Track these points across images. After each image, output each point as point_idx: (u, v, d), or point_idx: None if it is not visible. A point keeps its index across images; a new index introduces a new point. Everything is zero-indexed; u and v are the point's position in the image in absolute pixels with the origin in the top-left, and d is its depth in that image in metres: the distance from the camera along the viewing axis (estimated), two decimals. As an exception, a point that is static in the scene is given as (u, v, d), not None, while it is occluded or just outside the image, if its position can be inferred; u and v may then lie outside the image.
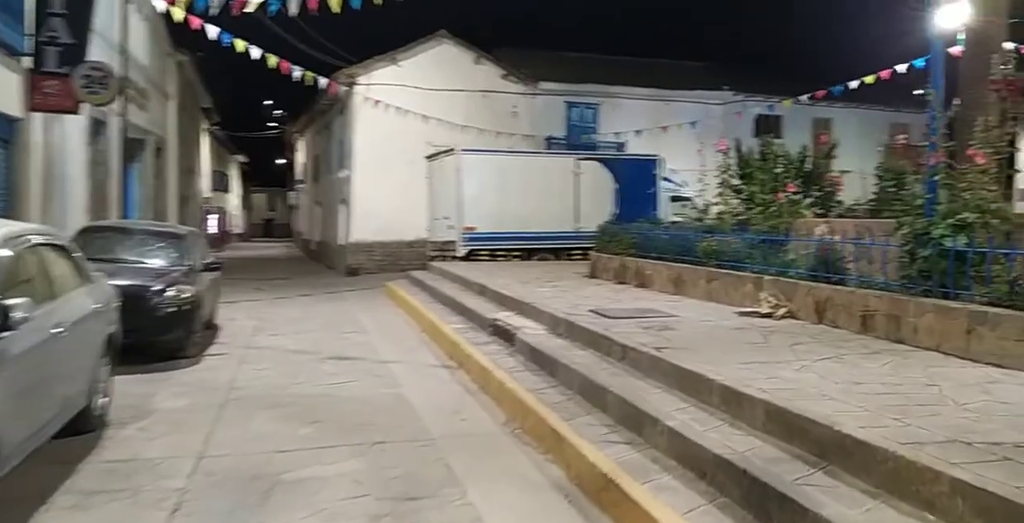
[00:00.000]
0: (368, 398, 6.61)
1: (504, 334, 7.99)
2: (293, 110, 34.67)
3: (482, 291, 10.95)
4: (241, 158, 49.09)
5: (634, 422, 4.74)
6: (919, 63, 16.39)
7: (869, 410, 3.89)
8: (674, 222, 15.31)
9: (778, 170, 12.30)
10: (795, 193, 11.72)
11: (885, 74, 18.78)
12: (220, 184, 40.62)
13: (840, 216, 10.80)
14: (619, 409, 5.00)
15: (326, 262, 25.22)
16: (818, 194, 12.77)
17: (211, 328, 10.08)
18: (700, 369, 4.91)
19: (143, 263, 8.74)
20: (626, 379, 5.45)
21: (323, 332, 10.35)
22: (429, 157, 19.50)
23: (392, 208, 20.55)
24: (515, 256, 17.63)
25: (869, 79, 18.71)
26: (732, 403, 4.39)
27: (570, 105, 23.97)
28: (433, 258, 17.90)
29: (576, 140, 23.04)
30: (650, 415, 4.57)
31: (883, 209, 12.47)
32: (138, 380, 6.89)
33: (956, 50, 13.64)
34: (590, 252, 13.27)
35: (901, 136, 26.78)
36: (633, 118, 23.62)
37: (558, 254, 18.03)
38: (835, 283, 6.94)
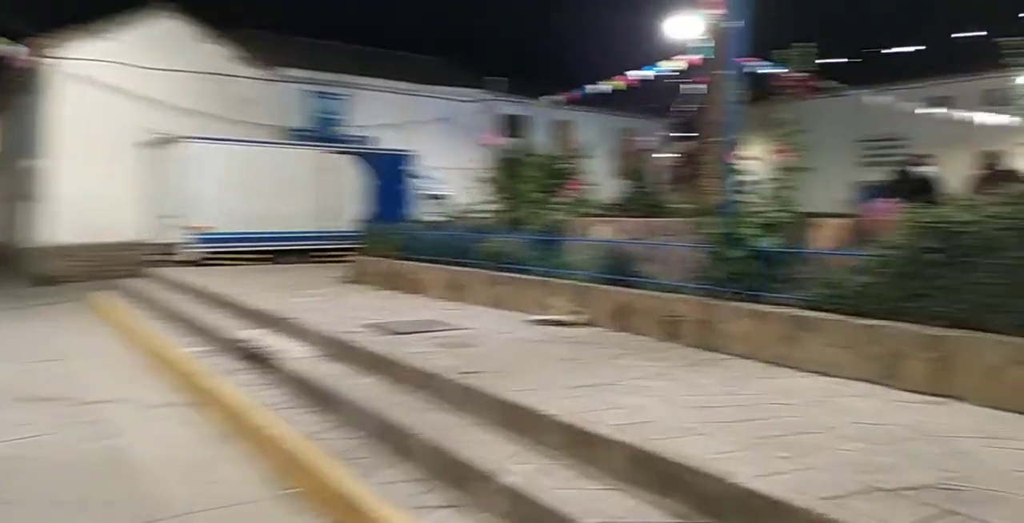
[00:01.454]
0: (75, 458, 4.89)
1: (259, 359, 6.53)
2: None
3: (223, 303, 9.23)
4: None
5: (455, 476, 3.71)
6: (652, 69, 17.15)
7: (748, 448, 3.23)
8: (433, 221, 14.48)
9: (541, 171, 12.01)
10: (543, 192, 11.44)
11: (631, 80, 19.57)
12: None
13: (630, 216, 10.56)
14: (431, 458, 3.94)
15: (13, 268, 20.94)
16: (570, 193, 12.69)
17: None
18: (528, 401, 4.01)
19: None
20: (433, 416, 4.40)
21: (6, 363, 8.02)
22: (150, 145, 16.80)
23: (100, 204, 17.30)
24: (256, 259, 15.69)
25: (618, 84, 19.37)
26: (581, 446, 3.53)
27: (314, 95, 22.22)
28: (156, 263, 15.34)
29: (323, 132, 21.40)
30: (476, 468, 3.57)
31: (635, 208, 12.76)
32: None
33: (696, 58, 14.33)
34: (352, 254, 11.97)
35: (636, 140, 28.44)
36: (383, 112, 22.52)
37: (306, 256, 16.41)
38: (635, 287, 6.47)
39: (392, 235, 10.85)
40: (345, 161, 17.77)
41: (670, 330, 5.87)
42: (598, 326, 6.53)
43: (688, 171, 13.98)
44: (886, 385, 4.38)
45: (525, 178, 11.94)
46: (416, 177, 19.17)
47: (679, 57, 17.62)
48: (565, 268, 7.40)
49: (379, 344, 5.79)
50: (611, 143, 29.25)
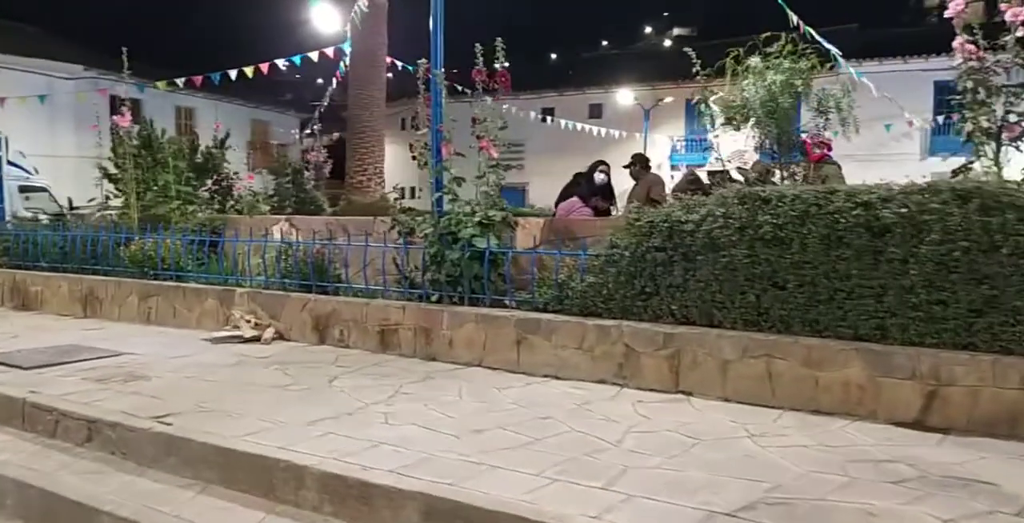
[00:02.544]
0: None
1: None
2: None
3: None
4: None
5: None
6: (296, 59, 16.27)
7: (553, 479, 2.86)
8: (46, 220, 11.94)
9: (182, 161, 10.47)
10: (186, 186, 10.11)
11: (264, 67, 18.28)
12: None
13: (297, 212, 9.60)
14: (137, 545, 2.89)
15: None
16: (215, 188, 11.45)
17: None
18: (262, 447, 3.17)
19: None
20: (124, 480, 3.28)
21: None
22: None
23: None
24: None
25: (248, 70, 17.98)
26: (356, 501, 2.84)
27: None
28: None
29: None
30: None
31: (287, 205, 11.86)
32: None
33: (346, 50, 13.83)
34: None
35: (276, 131, 26.78)
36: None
37: None
38: (337, 294, 5.77)
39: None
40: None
41: (384, 340, 5.31)
42: (292, 340, 5.71)
43: (341, 165, 13.48)
44: (621, 385, 4.38)
45: (163, 169, 10.35)
46: (9, 165, 15.67)
47: (325, 49, 16.95)
48: (243, 274, 6.39)
49: (6, 386, 4.30)
50: (243, 134, 27.35)
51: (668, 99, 27.17)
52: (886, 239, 3.73)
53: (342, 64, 15.75)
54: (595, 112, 28.13)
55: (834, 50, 7.63)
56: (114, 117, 9.66)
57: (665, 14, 73.50)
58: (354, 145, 14.13)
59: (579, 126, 20.45)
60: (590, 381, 4.47)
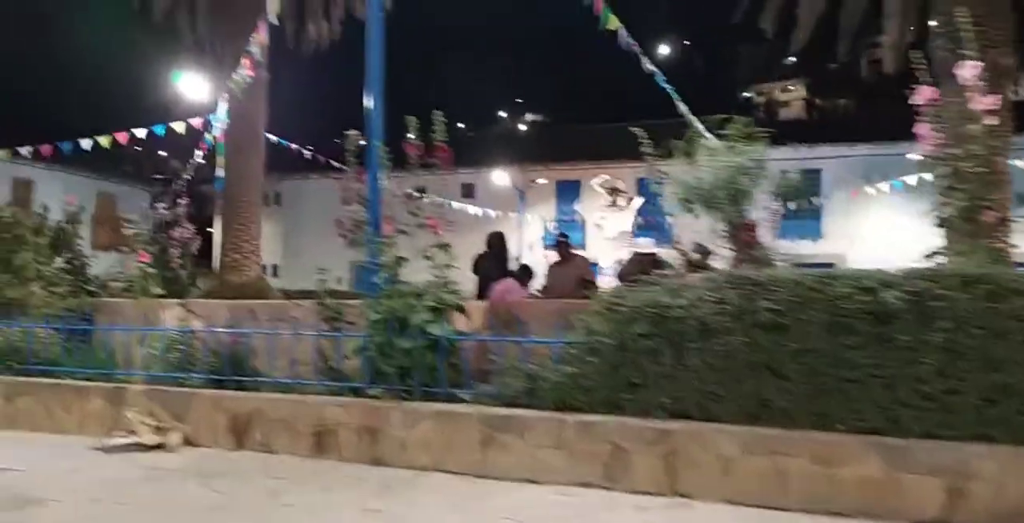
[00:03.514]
0: None
1: None
2: None
3: None
4: None
5: None
6: (159, 129, 15.35)
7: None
8: None
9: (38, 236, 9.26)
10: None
11: (122, 137, 17.14)
12: None
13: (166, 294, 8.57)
14: None
15: None
16: (67, 266, 10.29)
17: None
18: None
19: None
20: None
21: None
22: None
23: None
24: None
25: (103, 140, 16.76)
26: None
27: None
28: None
29: None
30: None
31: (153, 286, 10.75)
32: None
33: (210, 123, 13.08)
34: None
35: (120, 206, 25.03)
36: None
37: None
38: (256, 390, 5.02)
39: None
40: None
41: (320, 443, 4.61)
42: (203, 445, 4.87)
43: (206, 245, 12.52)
44: (609, 488, 3.96)
45: (21, 247, 9.14)
46: None
47: (192, 119, 16.10)
48: (130, 368, 5.48)
49: None
50: (88, 208, 25.27)
51: (541, 181, 27.82)
52: (893, 326, 3.62)
53: (209, 136, 14.91)
54: (468, 191, 28.27)
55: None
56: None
57: (519, 101, 76.45)
58: (229, 220, 13.24)
59: (455, 204, 20.35)
60: (573, 485, 4.00)
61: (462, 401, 4.51)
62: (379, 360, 4.70)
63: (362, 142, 5.58)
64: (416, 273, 5.04)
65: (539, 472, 4.12)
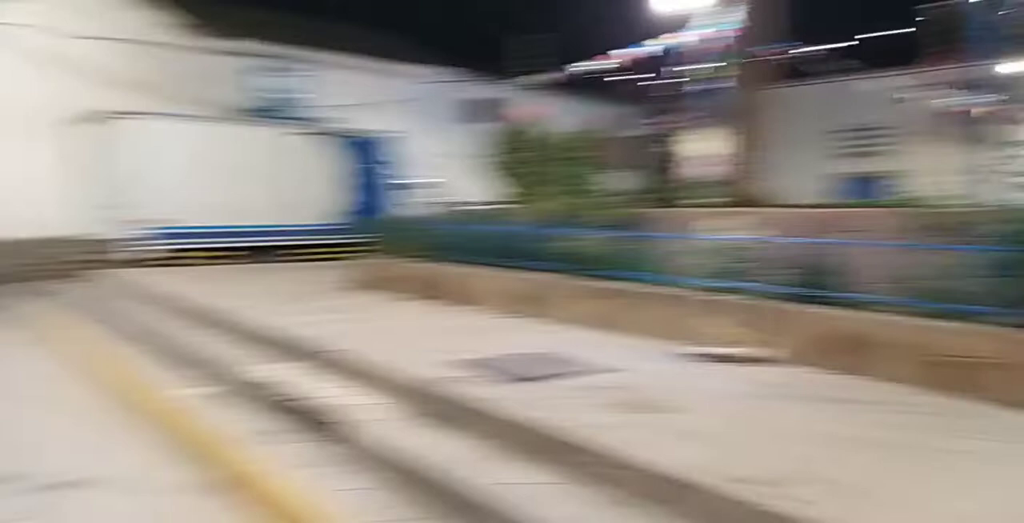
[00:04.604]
0: None
1: (311, 420, 4.37)
2: None
3: (211, 320, 6.99)
4: None
5: None
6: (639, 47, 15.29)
7: None
8: (464, 214, 12.51)
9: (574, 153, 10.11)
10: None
11: (622, 59, 17.92)
12: None
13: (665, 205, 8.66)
14: None
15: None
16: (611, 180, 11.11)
17: None
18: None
19: None
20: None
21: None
22: (78, 123, 14.07)
23: (16, 193, 14.39)
24: (212, 259, 13.20)
25: (608, 63, 17.66)
26: None
27: (269, 70, 19.56)
28: (90, 262, 12.67)
29: (281, 112, 18.80)
30: None
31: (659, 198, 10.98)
32: None
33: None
34: (332, 252, 9.88)
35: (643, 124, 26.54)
36: (350, 91, 20.03)
37: (270, 254, 13.95)
38: (844, 306, 4.56)
39: (414, 230, 8.77)
40: (311, 144, 15.40)
41: (947, 377, 3.97)
42: (793, 364, 4.61)
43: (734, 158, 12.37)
44: None
45: (555, 162, 10.08)
46: (391, 162, 16.95)
47: (673, 34, 15.94)
48: (721, 278, 5.38)
49: (511, 403, 3.74)
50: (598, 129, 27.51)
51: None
52: None
53: (712, 47, 14.54)
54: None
55: None
56: (514, 110, 9.57)
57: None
58: (741, 130, 12.96)
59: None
60: None
61: None
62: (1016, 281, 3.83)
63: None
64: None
65: None
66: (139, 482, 4.17)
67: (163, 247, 12.65)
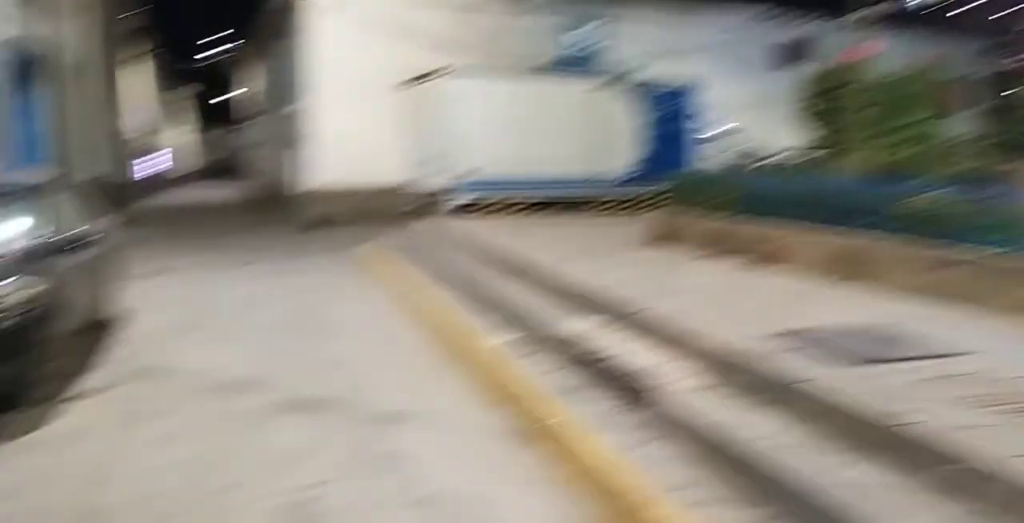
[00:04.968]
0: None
1: (621, 385, 4.31)
2: (245, 34, 29.61)
3: (517, 270, 7.28)
4: (189, 90, 43.73)
5: None
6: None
7: None
8: (770, 168, 11.85)
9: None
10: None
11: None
12: (163, 119, 35.87)
13: None
14: None
15: (281, 211, 20.92)
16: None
17: (98, 329, 6.36)
18: None
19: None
20: None
21: (276, 337, 6.62)
22: (410, 82, 15.42)
23: (360, 146, 16.07)
24: (521, 210, 13.87)
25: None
26: None
27: (573, 23, 19.73)
28: (417, 211, 13.99)
29: (587, 65, 18.94)
30: None
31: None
32: None
33: None
34: (631, 206, 9.74)
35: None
36: (650, 39, 19.58)
37: (574, 207, 14.33)
38: None
39: (713, 184, 8.37)
40: (617, 97, 15.33)
41: None
42: None
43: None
44: None
45: (883, 107, 8.89)
46: (696, 113, 16.33)
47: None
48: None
49: (843, 385, 3.33)
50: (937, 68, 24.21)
51: None
52: None
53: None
54: None
55: None
56: (836, 50, 8.67)
57: None
58: None
59: None
60: None
61: None
62: None
63: None
64: None
65: None
66: (454, 422, 4.47)
67: (478, 198, 13.54)
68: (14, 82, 12.24)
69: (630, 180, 14.82)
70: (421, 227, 12.16)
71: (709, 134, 16.57)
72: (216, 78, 40.84)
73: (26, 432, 4.19)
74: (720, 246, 7.40)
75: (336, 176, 16.25)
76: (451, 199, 13.44)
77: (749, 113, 18.38)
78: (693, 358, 4.17)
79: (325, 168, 16.47)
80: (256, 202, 25.83)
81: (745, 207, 7.45)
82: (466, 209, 13.36)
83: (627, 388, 4.14)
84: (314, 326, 7.11)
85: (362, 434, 4.28)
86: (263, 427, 4.41)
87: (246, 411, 4.66)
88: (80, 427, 4.32)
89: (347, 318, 7.48)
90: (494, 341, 5.59)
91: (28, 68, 13.09)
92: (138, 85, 27.48)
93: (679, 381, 3.98)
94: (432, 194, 13.93)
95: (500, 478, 3.67)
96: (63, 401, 4.69)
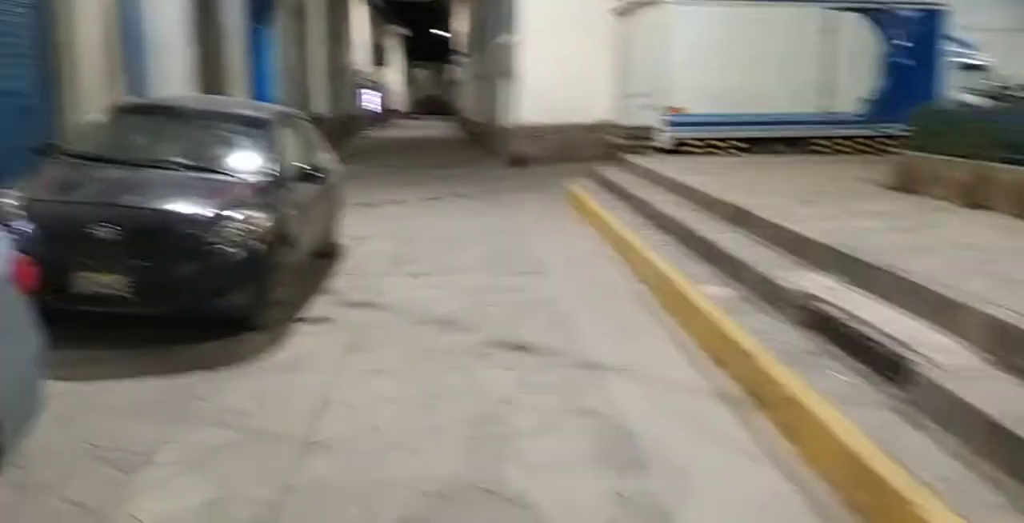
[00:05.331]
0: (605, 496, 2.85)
1: (872, 354, 3.76)
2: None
3: (734, 216, 6.70)
4: (402, 29, 45.24)
5: None
6: None
7: None
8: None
9: None
10: None
11: None
12: (378, 57, 37.47)
13: None
14: None
15: (488, 147, 21.12)
16: None
17: (328, 256, 6.75)
18: None
19: (193, 170, 5.21)
20: None
21: (485, 274, 6.61)
22: (621, 12, 14.71)
23: (567, 82, 15.58)
24: (735, 148, 12.93)
25: None
26: None
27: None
28: (623, 148, 13.43)
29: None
30: None
31: None
32: (135, 399, 3.56)
33: None
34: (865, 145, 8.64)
35: None
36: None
37: (797, 146, 13.16)
38: None
39: (962, 123, 7.21)
40: (855, 23, 13.65)
41: None
42: None
43: None
44: None
45: None
46: (939, 41, 14.18)
47: None
48: None
49: None
50: None
51: None
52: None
53: None
54: None
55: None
56: None
57: None
58: None
59: None
60: None
61: None
62: None
63: None
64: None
65: None
66: (663, 377, 4.18)
67: (693, 136, 12.80)
68: (249, 18, 13.02)
69: (868, 117, 13.33)
70: (626, 165, 11.70)
71: (960, 64, 14.47)
72: (428, 15, 41.81)
73: (256, 356, 4.42)
74: (962, 195, 6.38)
75: (544, 112, 16.00)
76: (660, 137, 12.80)
77: (1009, 40, 15.86)
78: (963, 329, 3.53)
79: (533, 104, 16.25)
80: (466, 137, 26.42)
81: (997, 150, 6.34)
82: (681, 147, 12.68)
83: (880, 358, 3.59)
84: (520, 261, 7.05)
85: (569, 381, 4.11)
86: (477, 365, 4.36)
87: (459, 349, 4.64)
88: (302, 355, 4.50)
89: (552, 254, 7.36)
90: (708, 291, 5.17)
91: (261, 5, 13.91)
92: (355, 23, 28.68)
93: (949, 354, 3.38)
94: (639, 132, 13.33)
95: (719, 449, 3.34)
96: (289, 327, 4.92)
